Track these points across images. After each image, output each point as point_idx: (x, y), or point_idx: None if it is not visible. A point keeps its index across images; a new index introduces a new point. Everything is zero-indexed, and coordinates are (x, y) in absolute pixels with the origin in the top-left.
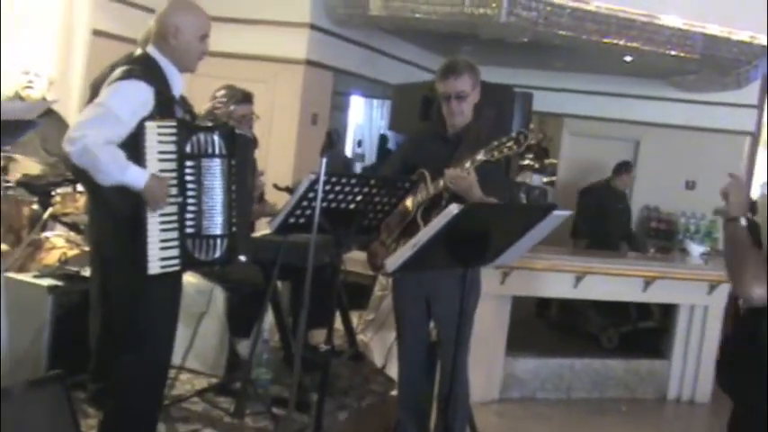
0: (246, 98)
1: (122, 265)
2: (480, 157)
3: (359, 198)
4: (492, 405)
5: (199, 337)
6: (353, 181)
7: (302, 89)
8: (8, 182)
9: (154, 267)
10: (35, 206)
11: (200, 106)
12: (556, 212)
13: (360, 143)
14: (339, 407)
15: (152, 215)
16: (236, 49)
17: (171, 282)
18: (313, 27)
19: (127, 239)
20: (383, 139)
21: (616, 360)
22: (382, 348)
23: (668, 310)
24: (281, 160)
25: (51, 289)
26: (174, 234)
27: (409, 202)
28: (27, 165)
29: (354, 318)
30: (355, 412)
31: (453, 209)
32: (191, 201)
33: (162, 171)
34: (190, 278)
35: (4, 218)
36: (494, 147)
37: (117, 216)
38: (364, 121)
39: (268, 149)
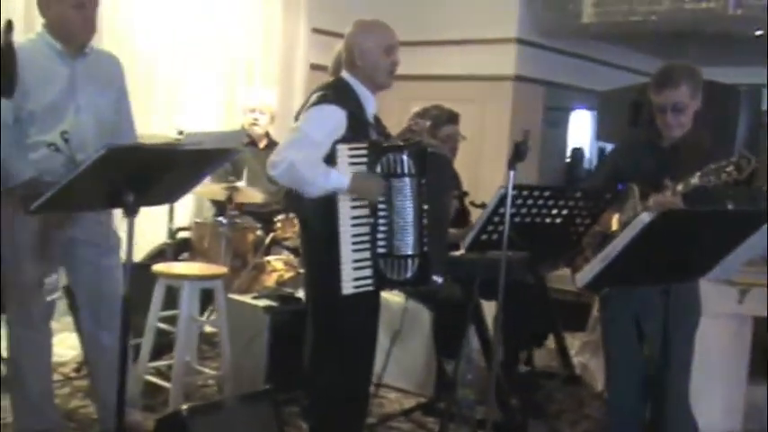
0: (451, 119)
1: (322, 285)
2: (695, 181)
3: (554, 212)
4: None
5: (407, 356)
6: (547, 194)
7: (512, 106)
8: (233, 211)
9: (347, 287)
10: (259, 232)
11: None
12: None
13: (573, 153)
14: (549, 431)
15: (345, 236)
16: (444, 71)
17: (367, 301)
18: (520, 41)
19: (325, 261)
20: (602, 152)
21: None
22: (601, 371)
23: None
24: (492, 179)
25: (267, 309)
26: (367, 254)
27: (615, 220)
28: (250, 194)
29: (575, 339)
30: None
31: (645, 217)
32: (382, 221)
33: None
34: (396, 298)
35: (230, 243)
36: (711, 170)
37: (317, 238)
38: (591, 135)
39: (479, 168)
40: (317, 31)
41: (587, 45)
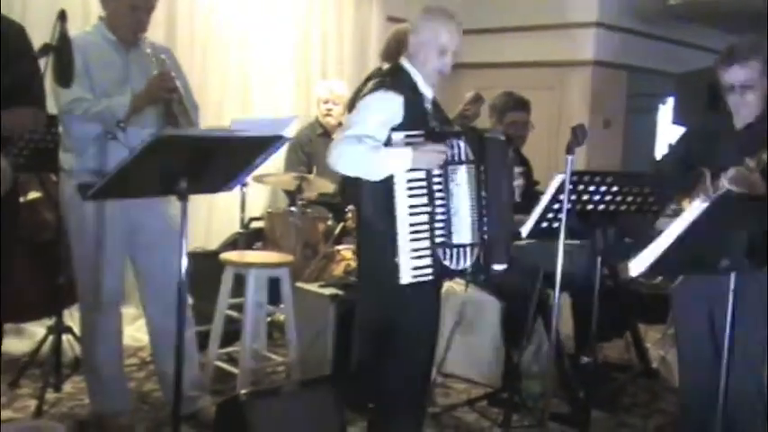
0: (519, 105)
1: (380, 275)
2: (765, 156)
3: (618, 198)
4: None
5: (476, 346)
6: (609, 180)
7: (591, 92)
8: (303, 200)
9: (406, 277)
10: (330, 222)
11: (486, 118)
12: None
13: (669, 146)
14: (619, 425)
15: (402, 225)
16: (520, 58)
17: (427, 291)
18: (600, 25)
19: (382, 250)
20: None
21: None
22: None
23: None
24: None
25: (333, 298)
26: (426, 243)
27: (686, 206)
28: (321, 184)
29: (654, 332)
30: None
31: (701, 203)
32: (439, 210)
33: (410, 180)
34: (462, 287)
35: (301, 233)
36: None
37: (375, 229)
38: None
39: (556, 157)
40: (390, 19)
41: (673, 27)
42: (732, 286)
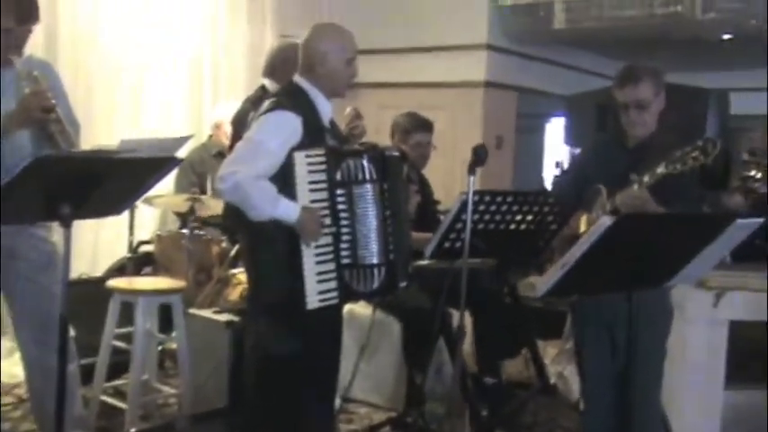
0: (424, 126)
1: (280, 300)
2: (661, 170)
3: (519, 217)
4: None
5: (377, 369)
6: (510, 199)
7: (483, 112)
8: (195, 223)
9: (312, 302)
10: (224, 244)
11: (386, 137)
12: (740, 221)
13: (558, 165)
14: None
15: (307, 248)
16: (414, 78)
17: (331, 315)
18: (490, 47)
19: (285, 274)
20: None
21: None
22: (578, 379)
23: None
24: (465, 187)
25: (228, 324)
26: (331, 266)
27: (583, 222)
28: (215, 205)
29: (551, 347)
30: None
31: (606, 221)
32: (345, 230)
33: (313, 201)
34: (364, 309)
35: (193, 256)
36: (676, 158)
37: (275, 251)
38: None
39: (451, 177)
40: (284, 37)
41: (559, 51)
42: (631, 305)
